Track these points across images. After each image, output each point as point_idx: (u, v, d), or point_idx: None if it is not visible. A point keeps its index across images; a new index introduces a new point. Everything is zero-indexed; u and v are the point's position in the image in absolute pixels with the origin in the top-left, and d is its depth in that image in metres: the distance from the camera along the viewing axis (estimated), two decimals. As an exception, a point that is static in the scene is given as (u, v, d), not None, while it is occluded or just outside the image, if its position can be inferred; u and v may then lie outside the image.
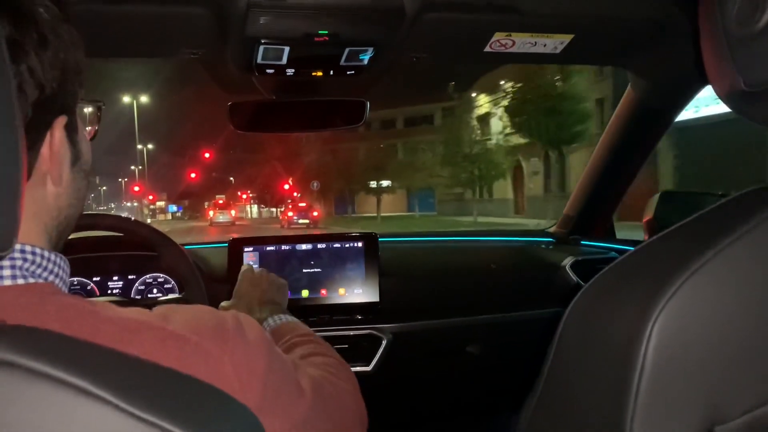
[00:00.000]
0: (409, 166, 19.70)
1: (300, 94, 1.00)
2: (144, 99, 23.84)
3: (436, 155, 17.93)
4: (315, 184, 20.72)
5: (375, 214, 20.79)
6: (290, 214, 18.55)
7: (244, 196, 35.75)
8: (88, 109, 0.44)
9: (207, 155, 24.33)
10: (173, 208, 37.88)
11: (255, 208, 36.87)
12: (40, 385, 0.28)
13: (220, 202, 25.93)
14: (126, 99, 23.35)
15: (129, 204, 34.80)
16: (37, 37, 0.34)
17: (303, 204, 19.72)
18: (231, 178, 35.38)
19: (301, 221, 18.38)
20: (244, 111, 1.01)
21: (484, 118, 18.00)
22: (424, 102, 22.92)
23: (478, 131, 17.40)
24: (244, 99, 0.99)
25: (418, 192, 21.90)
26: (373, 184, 21.36)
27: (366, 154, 22.30)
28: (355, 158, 21.97)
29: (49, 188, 0.37)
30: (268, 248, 1.17)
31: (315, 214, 18.43)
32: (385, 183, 21.41)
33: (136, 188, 27.65)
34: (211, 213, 23.72)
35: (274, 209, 32.29)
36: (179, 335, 0.35)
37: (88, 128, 0.44)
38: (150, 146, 32.73)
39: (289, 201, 21.56)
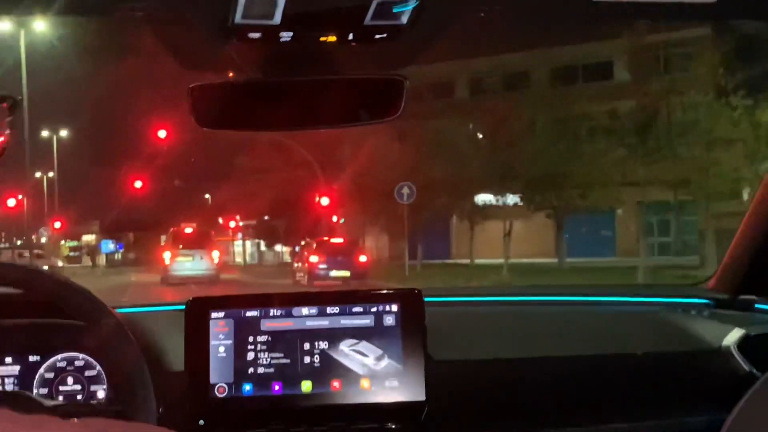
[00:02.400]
0: (564, 161, 20.12)
1: (300, 72, 1.14)
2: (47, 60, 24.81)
3: (624, 140, 18.67)
4: (339, 219, 22.10)
5: (493, 261, 21.57)
6: (314, 259, 19.03)
7: (232, 224, 36.74)
8: None
9: (162, 134, 22.72)
10: (108, 246, 40.27)
11: (249, 246, 38.27)
12: None
13: (188, 231, 23.83)
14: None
15: (42, 238, 36.38)
16: None
17: (339, 241, 20.16)
18: (207, 195, 36.86)
19: (334, 274, 18.45)
20: (214, 98, 1.16)
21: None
22: (590, 39, 22.44)
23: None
24: (214, 80, 1.17)
25: (582, 216, 22.56)
26: (485, 199, 22.44)
27: (469, 141, 23.24)
28: (444, 146, 22.39)
29: None
30: (249, 314, 1.36)
31: (362, 259, 19.10)
32: (511, 199, 22.28)
33: (57, 224, 29.38)
34: (166, 257, 21.19)
35: (283, 248, 33.28)
36: None
37: None
38: (64, 133, 33.76)
39: (304, 242, 22.53)
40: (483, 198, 23.26)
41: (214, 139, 27.56)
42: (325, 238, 20.97)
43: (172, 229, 23.86)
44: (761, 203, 1.56)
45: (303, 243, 23.56)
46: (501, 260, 21.39)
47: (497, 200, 22.80)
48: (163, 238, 25.36)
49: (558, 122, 21.40)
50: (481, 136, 22.75)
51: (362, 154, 22.33)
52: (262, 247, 36.64)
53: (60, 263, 28.83)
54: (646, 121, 18.10)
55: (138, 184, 29.95)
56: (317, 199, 23.71)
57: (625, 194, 20.28)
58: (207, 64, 1.18)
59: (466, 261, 23.91)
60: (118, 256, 39.64)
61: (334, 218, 24.97)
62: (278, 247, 34.46)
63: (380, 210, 23.24)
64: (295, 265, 21.89)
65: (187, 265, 20.96)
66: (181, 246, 21.72)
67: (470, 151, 22.41)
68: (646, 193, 20.24)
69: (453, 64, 24.98)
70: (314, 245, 19.93)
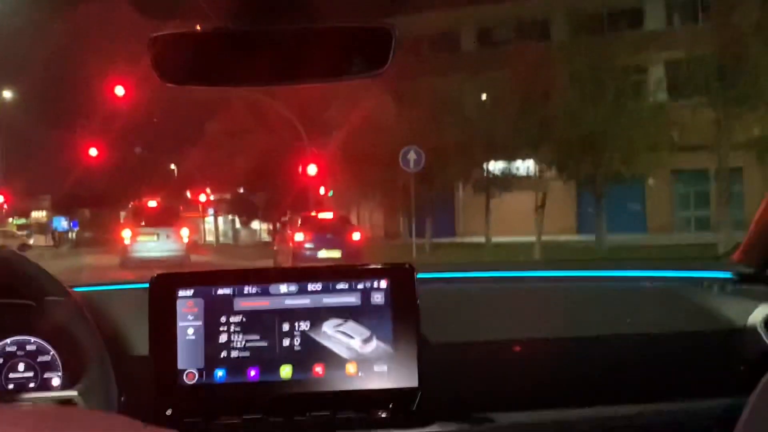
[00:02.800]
0: (602, 121, 19.61)
1: (275, 20, 1.16)
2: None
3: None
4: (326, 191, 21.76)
5: (511, 239, 21.51)
6: (299, 237, 18.59)
7: (202, 198, 36.53)
8: None
9: (119, 91, 21.48)
10: (61, 223, 40.36)
11: (222, 223, 38.31)
12: None
13: (151, 205, 22.36)
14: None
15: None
16: None
17: (328, 216, 19.84)
18: (172, 166, 36.95)
19: (323, 255, 18.08)
20: (178, 49, 1.17)
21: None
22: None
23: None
24: (179, 29, 1.17)
25: (608, 186, 21.65)
26: (500, 168, 22.34)
27: (473, 100, 22.91)
28: (452, 106, 21.94)
29: None
30: (221, 292, 1.39)
31: (355, 237, 18.76)
32: (530, 167, 22.07)
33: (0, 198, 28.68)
34: (126, 235, 20.16)
35: (261, 225, 33.08)
36: None
37: None
38: (7, 94, 33.89)
39: (287, 217, 22.22)
40: (497, 167, 22.83)
41: (180, 99, 27.72)
42: (313, 213, 20.64)
43: (132, 203, 23.05)
44: None
45: (285, 219, 23.30)
46: (520, 238, 21.04)
47: (515, 169, 22.61)
48: (123, 214, 24.48)
49: (595, 73, 20.33)
50: (494, 95, 22.32)
51: (356, 116, 21.76)
52: (237, 225, 36.47)
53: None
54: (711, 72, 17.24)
55: (93, 151, 30.47)
56: (302, 168, 23.22)
57: (665, 161, 20.04)
58: (171, 11, 1.20)
59: (477, 239, 23.51)
60: (71, 235, 39.94)
61: (322, 190, 24.70)
62: (255, 225, 34.31)
63: (377, 181, 22.69)
64: (276, 246, 21.72)
65: (151, 245, 19.92)
66: (143, 223, 20.49)
67: (482, 112, 22.08)
68: (696, 159, 19.79)
69: (459, 12, 24.79)
70: (299, 221, 19.36)
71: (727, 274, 1.69)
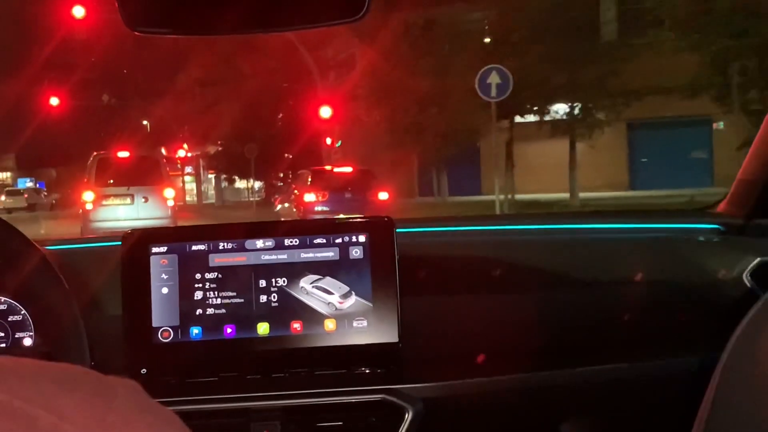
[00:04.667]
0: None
1: None
2: None
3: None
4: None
5: (540, 197, 20.68)
6: (309, 197, 16.52)
7: (181, 153, 35.21)
8: None
9: (78, 12, 18.68)
10: (27, 185, 40.97)
11: (205, 182, 37.81)
12: None
13: (122, 156, 16.17)
14: None
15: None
16: None
17: (346, 170, 17.54)
18: (145, 122, 35.15)
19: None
20: None
21: None
22: None
23: None
24: None
25: (662, 132, 21.46)
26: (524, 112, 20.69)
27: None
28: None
29: None
30: (195, 247, 1.43)
31: (383, 197, 16.56)
32: (561, 109, 20.58)
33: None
34: (87, 198, 14.93)
35: (250, 183, 32.15)
36: (12, 408, 0.44)
37: None
38: None
39: (287, 178, 21.27)
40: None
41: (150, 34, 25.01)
42: (327, 167, 18.21)
43: (95, 153, 16.28)
44: None
45: (283, 175, 22.38)
46: (551, 195, 20.29)
47: (543, 112, 20.71)
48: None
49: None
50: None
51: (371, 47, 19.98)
52: (225, 183, 35.53)
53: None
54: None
55: (54, 101, 28.82)
56: (306, 112, 21.70)
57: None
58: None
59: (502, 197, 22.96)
60: (42, 199, 38.86)
61: (328, 140, 22.64)
62: (243, 182, 33.67)
63: (400, 126, 20.87)
64: (278, 206, 19.23)
65: (123, 211, 14.76)
66: (111, 181, 15.01)
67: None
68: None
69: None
70: (308, 178, 16.90)
71: (713, 226, 1.72)
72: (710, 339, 1.36)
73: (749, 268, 1.49)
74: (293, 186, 18.21)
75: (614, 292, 1.54)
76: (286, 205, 18.34)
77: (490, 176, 25.82)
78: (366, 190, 16.34)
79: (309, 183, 16.69)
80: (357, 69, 20.66)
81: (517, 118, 20.76)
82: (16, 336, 1.36)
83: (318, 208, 16.06)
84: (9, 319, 1.34)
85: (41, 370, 0.47)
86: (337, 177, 16.79)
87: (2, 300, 1.33)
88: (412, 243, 1.51)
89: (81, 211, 15.04)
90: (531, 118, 20.89)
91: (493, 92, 14.26)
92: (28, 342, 1.38)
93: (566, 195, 20.38)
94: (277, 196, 20.52)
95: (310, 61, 19.33)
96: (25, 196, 37.65)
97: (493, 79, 14.39)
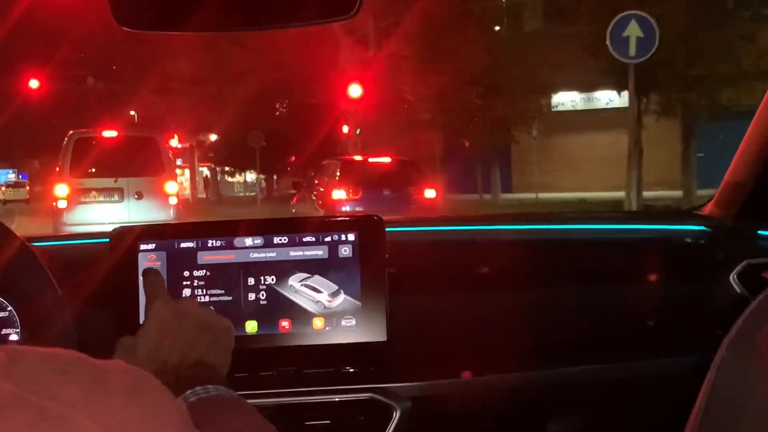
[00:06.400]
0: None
1: None
2: None
3: None
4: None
5: (573, 196, 20.58)
6: (338, 194, 14.52)
7: (173, 143, 32.94)
8: None
9: None
10: (8, 176, 41.10)
11: (201, 175, 37.32)
12: None
13: (108, 136, 12.48)
14: None
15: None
16: None
17: (384, 161, 15.44)
18: (132, 113, 33.87)
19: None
20: None
21: None
22: None
23: None
24: None
25: (718, 125, 18.57)
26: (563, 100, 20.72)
27: None
28: None
29: None
30: (184, 245, 1.44)
31: (429, 195, 14.76)
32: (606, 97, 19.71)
33: None
34: (60, 194, 11.63)
35: (250, 177, 32.37)
36: (23, 400, 0.48)
37: None
38: None
39: (305, 173, 19.90)
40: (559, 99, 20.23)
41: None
42: (357, 158, 16.53)
43: (71, 132, 12.51)
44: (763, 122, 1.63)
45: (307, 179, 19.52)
46: (585, 194, 19.70)
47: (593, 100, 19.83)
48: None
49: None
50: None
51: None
52: (222, 176, 35.31)
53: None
54: None
55: (34, 83, 28.24)
56: (328, 92, 20.25)
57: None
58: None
59: (548, 196, 22.31)
60: (23, 192, 38.99)
61: (345, 128, 21.21)
62: (249, 175, 33.16)
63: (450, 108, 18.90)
64: (297, 204, 16.98)
65: (107, 211, 11.50)
66: (92, 170, 11.76)
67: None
68: None
69: None
70: (337, 171, 14.80)
71: (700, 227, 1.75)
72: (697, 340, 1.45)
73: (736, 270, 1.54)
74: (316, 180, 16.05)
75: (601, 293, 1.59)
76: (305, 204, 16.03)
77: (523, 172, 24.97)
78: (408, 186, 14.40)
79: (338, 177, 14.60)
80: (398, 38, 18.44)
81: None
82: (3, 332, 1.40)
83: (348, 208, 13.94)
84: None
85: (45, 358, 0.52)
86: (372, 169, 14.80)
87: None
88: (401, 242, 1.56)
89: (53, 209, 11.74)
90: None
91: (632, 50, 11.03)
92: (14, 338, 1.42)
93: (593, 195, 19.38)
94: (296, 195, 18.09)
95: (340, 33, 17.24)
96: (27, 188, 37.91)
97: (632, 30, 11.09)
